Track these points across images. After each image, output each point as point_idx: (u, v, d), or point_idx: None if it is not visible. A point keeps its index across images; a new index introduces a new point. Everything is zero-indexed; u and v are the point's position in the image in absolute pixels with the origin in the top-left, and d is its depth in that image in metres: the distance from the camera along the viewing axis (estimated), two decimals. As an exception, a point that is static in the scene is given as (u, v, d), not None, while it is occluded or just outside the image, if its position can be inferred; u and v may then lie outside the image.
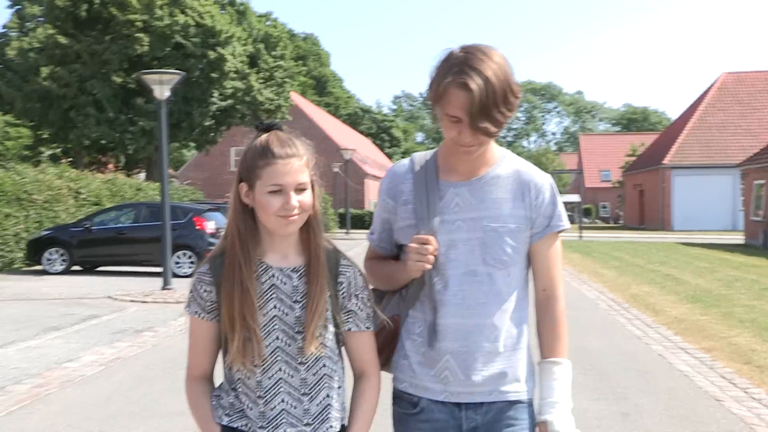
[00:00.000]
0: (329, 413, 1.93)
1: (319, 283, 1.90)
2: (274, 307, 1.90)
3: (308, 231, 1.93)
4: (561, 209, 2.07)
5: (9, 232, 16.49)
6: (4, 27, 53.21)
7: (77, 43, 28.35)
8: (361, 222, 44.67)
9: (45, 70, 28.43)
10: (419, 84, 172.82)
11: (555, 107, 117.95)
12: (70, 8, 28.22)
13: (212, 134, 32.11)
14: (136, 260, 16.33)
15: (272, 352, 1.89)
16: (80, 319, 10.02)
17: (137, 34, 28.10)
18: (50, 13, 28.61)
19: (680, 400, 5.93)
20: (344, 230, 38.78)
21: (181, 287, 11.68)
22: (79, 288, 13.64)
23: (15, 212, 16.74)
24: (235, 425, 1.93)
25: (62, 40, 28.09)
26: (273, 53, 33.09)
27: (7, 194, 16.53)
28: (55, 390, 6.32)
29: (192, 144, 35.00)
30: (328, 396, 1.93)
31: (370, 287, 2.02)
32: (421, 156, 2.13)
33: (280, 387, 1.90)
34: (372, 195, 50.87)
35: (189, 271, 15.24)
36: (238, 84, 30.47)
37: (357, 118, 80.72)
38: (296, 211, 1.85)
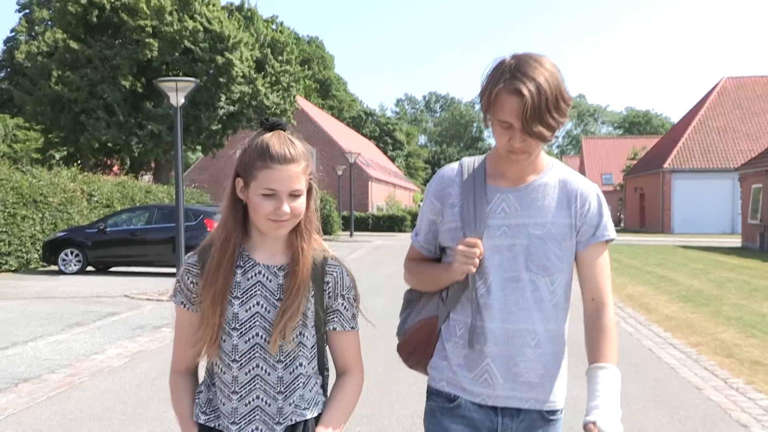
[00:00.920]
0: (302, 412, 1.94)
1: (297, 283, 1.90)
2: (257, 303, 1.90)
3: (296, 232, 1.93)
4: (607, 219, 2.06)
5: (26, 233, 17.04)
6: (13, 31, 54.08)
7: (88, 48, 28.94)
8: (364, 224, 45.16)
9: (56, 75, 29.00)
10: (422, 87, 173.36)
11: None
12: (81, 14, 28.79)
13: (219, 138, 32.65)
14: (148, 261, 16.83)
15: (251, 348, 1.90)
16: (101, 316, 10.54)
17: (147, 40, 28.68)
18: (62, 19, 29.17)
19: (664, 389, 6.44)
20: (348, 232, 39.26)
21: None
22: (95, 287, 14.17)
23: (31, 214, 17.29)
24: (212, 425, 1.93)
25: (73, 45, 28.66)
26: (279, 58, 33.68)
27: (24, 197, 17.07)
28: (87, 379, 6.83)
29: (198, 147, 35.56)
30: (301, 396, 1.94)
31: (356, 289, 2.02)
32: (470, 161, 2.14)
33: (256, 383, 1.90)
34: (375, 198, 51.35)
35: (200, 271, 15.75)
36: (245, 88, 31.03)
37: (360, 121, 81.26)
38: (286, 217, 1.86)
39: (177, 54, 29.69)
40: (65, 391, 6.36)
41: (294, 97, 34.63)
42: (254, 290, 1.90)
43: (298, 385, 1.93)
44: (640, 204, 51.21)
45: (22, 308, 11.13)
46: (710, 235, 40.93)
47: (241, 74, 30.69)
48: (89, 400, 6.04)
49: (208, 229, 16.41)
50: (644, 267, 18.61)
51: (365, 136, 74.89)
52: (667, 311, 10.89)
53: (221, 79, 30.15)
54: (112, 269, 17.58)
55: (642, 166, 51.84)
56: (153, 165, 34.88)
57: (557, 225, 2.00)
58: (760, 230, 27.02)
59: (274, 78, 33.05)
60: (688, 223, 44.08)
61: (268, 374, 1.90)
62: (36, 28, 53.83)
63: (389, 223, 45.56)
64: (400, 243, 31.99)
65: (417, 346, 2.16)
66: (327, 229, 35.34)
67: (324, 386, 2.02)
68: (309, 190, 1.93)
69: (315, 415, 1.95)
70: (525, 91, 1.84)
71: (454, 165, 2.15)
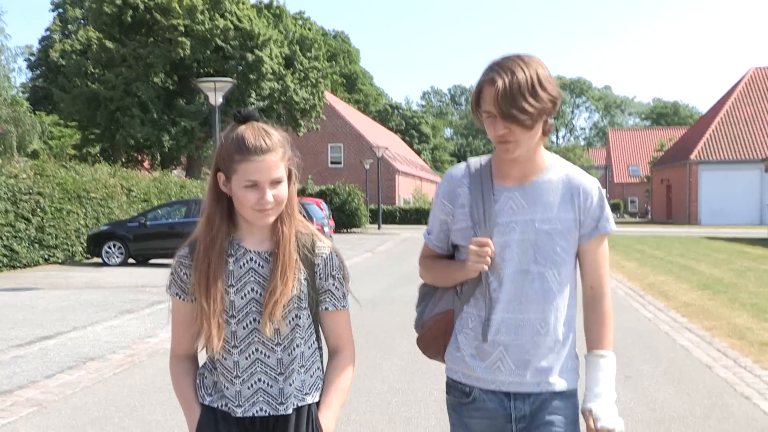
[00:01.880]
0: (303, 397, 2.02)
1: (280, 265, 1.95)
2: (252, 289, 1.97)
3: (278, 216, 1.98)
4: (608, 212, 2.17)
5: (71, 227, 17.88)
6: (48, 30, 55.27)
7: (123, 47, 29.83)
8: (392, 217, 45.74)
9: (92, 73, 29.95)
10: (448, 80, 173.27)
11: (584, 102, 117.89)
12: (116, 14, 29.68)
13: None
14: (186, 253, 17.54)
15: (249, 333, 1.97)
16: (148, 304, 11.24)
17: (179, 38, 29.50)
18: (98, 19, 30.08)
19: (676, 367, 6.95)
20: (376, 225, 39.85)
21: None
22: (138, 278, 14.92)
23: (75, 209, 18.12)
24: (215, 405, 2.00)
25: (109, 44, 29.55)
26: (308, 55, 34.36)
27: (69, 192, 17.90)
28: (145, 358, 7.50)
29: (229, 142, 36.42)
30: (303, 381, 2.02)
31: (345, 269, 2.10)
32: (475, 161, 2.22)
33: (257, 367, 1.97)
34: (402, 191, 51.89)
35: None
36: (275, 85, 31.76)
37: (386, 115, 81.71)
38: (270, 206, 1.91)
39: (208, 52, 30.50)
40: (128, 369, 7.03)
41: (322, 92, 35.31)
42: (247, 277, 1.97)
43: (297, 365, 2.00)
44: (667, 196, 51.19)
45: (75, 297, 11.88)
46: (738, 226, 40.91)
47: (271, 71, 31.41)
48: (150, 376, 6.70)
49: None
50: (667, 257, 19.00)
51: (391, 129, 75.37)
52: (686, 298, 11.35)
53: (251, 76, 30.90)
54: (152, 261, 18.35)
55: (669, 157, 51.81)
56: (185, 160, 35.74)
57: (562, 219, 2.10)
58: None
59: (302, 74, 33.75)
60: (715, 215, 44.07)
61: (268, 357, 1.97)
62: (69, 26, 55.04)
63: (416, 216, 46.10)
64: (427, 235, 32.47)
65: (434, 339, 2.26)
66: (355, 222, 35.95)
67: (320, 365, 2.12)
68: (289, 176, 1.98)
69: (317, 399, 2.05)
70: (498, 79, 1.96)
71: (462, 166, 2.24)
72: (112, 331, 8.96)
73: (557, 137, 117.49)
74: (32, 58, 56.85)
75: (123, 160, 33.42)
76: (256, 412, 1.97)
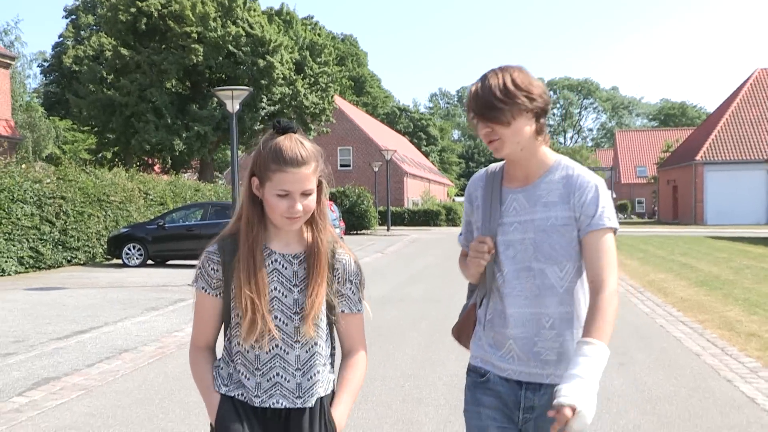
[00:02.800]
0: (318, 387, 2.12)
1: (320, 272, 2.07)
2: (275, 289, 2.06)
3: (311, 224, 2.11)
4: (604, 209, 2.18)
5: (92, 229, 18.55)
6: (61, 36, 56.17)
7: (137, 54, 30.55)
8: (400, 219, 46.29)
9: (108, 80, 30.69)
10: (455, 82, 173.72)
11: (591, 103, 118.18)
12: (131, 22, 30.40)
13: (261, 137, 34.11)
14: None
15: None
16: (171, 302, 11.85)
17: (192, 45, 30.19)
18: (113, 27, 30.80)
19: (668, 356, 7.51)
20: (385, 227, 40.42)
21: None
22: (159, 278, 15.55)
23: (96, 212, 18.79)
24: (232, 394, 2.09)
25: (124, 51, 30.27)
26: (318, 60, 35.02)
27: (90, 196, 18.57)
28: (175, 350, 8.09)
29: (242, 147, 37.09)
30: (318, 372, 2.12)
31: (362, 275, 2.21)
32: (494, 166, 2.38)
33: (276, 362, 2.07)
34: (411, 193, 52.46)
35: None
36: (286, 90, 32.42)
37: (394, 117, 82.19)
38: (299, 215, 2.02)
39: (221, 58, 31.20)
40: (160, 359, 7.63)
41: (332, 96, 35.96)
42: (272, 277, 2.06)
43: (315, 362, 2.10)
44: (673, 196, 51.58)
45: (101, 295, 12.52)
46: (743, 226, 41.31)
47: (282, 76, 32.07)
48: (182, 365, 7.29)
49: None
50: (669, 256, 19.54)
51: (399, 131, 75.90)
52: (683, 294, 11.90)
53: (263, 81, 31.55)
54: (170, 262, 18.98)
55: (675, 158, 52.19)
56: (197, 164, 36.43)
57: (560, 218, 2.18)
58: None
59: (312, 79, 34.41)
60: (721, 215, 44.46)
61: (287, 353, 2.07)
62: (82, 32, 55.97)
63: (425, 218, 46.63)
64: (435, 237, 33.09)
65: (463, 329, 2.46)
66: (365, 224, 36.54)
67: (332, 364, 2.23)
68: (319, 186, 2.09)
69: (329, 392, 2.16)
70: (474, 86, 2.18)
71: (483, 170, 2.41)
72: (140, 326, 9.56)
73: (565, 138, 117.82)
74: (45, 64, 57.88)
75: (138, 163, 34.09)
76: (273, 403, 2.07)
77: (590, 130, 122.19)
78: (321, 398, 2.12)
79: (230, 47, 30.94)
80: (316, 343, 2.10)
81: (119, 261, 18.41)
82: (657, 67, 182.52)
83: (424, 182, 58.18)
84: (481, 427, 2.30)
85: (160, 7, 30.46)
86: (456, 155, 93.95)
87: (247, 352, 2.06)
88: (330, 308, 2.13)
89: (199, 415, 5.46)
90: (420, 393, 6.07)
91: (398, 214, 46.13)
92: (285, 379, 2.07)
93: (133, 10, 30.19)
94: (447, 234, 35.50)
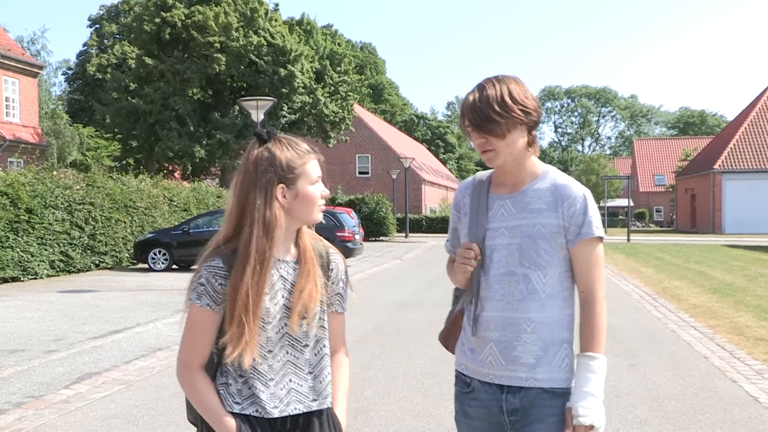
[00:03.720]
0: (329, 387, 2.14)
1: (307, 270, 2.08)
2: (282, 296, 2.06)
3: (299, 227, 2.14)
4: (592, 219, 2.22)
5: (119, 234, 19.09)
6: (85, 45, 57.19)
7: (161, 63, 31.21)
8: (418, 226, 46.65)
9: (132, 88, 31.38)
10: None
11: (610, 111, 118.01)
12: (155, 32, 31.09)
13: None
14: (226, 259, 18.63)
15: (281, 337, 2.05)
16: (198, 305, 12.30)
17: (215, 54, 30.80)
18: (138, 37, 31.49)
19: (677, 358, 7.83)
20: (403, 234, 40.79)
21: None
22: (185, 282, 15.67)
23: (123, 218, 19.34)
24: (247, 412, 2.03)
25: (148, 60, 30.95)
26: (338, 69, 35.55)
27: (117, 202, 19.13)
28: (205, 349, 8.52)
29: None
30: (328, 373, 2.14)
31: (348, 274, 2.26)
32: (482, 174, 2.42)
33: (288, 368, 2.06)
34: (428, 200, 52.84)
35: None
36: (306, 98, 32.94)
37: (412, 125, 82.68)
38: (325, 200, 2.12)
39: (242, 67, 31.79)
40: (193, 357, 8.06)
41: (351, 105, 36.45)
42: (278, 285, 2.06)
43: (325, 363, 2.12)
44: (692, 205, 51.57)
45: (131, 298, 13.00)
46: (762, 235, 41.28)
47: (302, 85, 32.60)
48: (214, 363, 7.72)
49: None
50: (684, 264, 19.78)
51: (417, 139, 76.36)
52: (695, 301, 12.19)
53: (283, 90, 32.08)
54: (194, 267, 19.39)
55: (693, 167, 52.21)
56: (217, 171, 37.01)
57: (546, 225, 2.21)
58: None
59: (332, 88, 34.93)
60: (739, 224, 44.43)
61: (297, 358, 2.08)
62: (105, 41, 57.00)
63: (442, 225, 46.94)
64: (453, 243, 33.34)
65: (449, 334, 2.47)
66: (383, 231, 36.93)
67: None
68: None
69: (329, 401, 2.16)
70: (470, 96, 2.22)
71: (470, 178, 2.45)
72: (171, 327, 10.00)
73: (583, 146, 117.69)
74: (69, 72, 58.95)
75: (158, 170, 34.70)
76: (292, 411, 2.06)
77: (608, 138, 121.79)
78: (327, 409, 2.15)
79: (252, 56, 31.52)
80: (324, 345, 2.13)
81: (145, 265, 18.92)
82: (676, 75, 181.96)
83: (442, 190, 58.55)
84: None
85: (183, 18, 31.11)
86: (473, 163, 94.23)
87: (260, 364, 2.03)
88: (326, 308, 2.16)
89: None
90: (440, 389, 6.45)
91: (416, 221, 46.49)
92: (298, 384, 2.08)
93: (157, 20, 30.87)
94: (464, 241, 35.57)
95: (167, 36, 31.09)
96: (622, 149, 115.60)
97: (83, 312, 11.17)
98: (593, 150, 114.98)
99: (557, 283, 2.23)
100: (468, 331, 2.32)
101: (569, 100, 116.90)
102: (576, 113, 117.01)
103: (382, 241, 36.51)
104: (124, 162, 34.39)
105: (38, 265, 15.89)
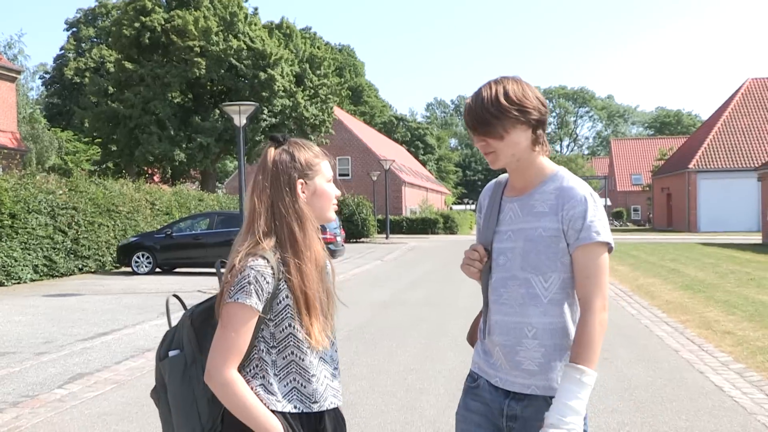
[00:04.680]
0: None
1: (326, 272, 2.17)
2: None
3: None
4: (593, 223, 2.12)
5: (102, 238, 19.19)
6: (62, 49, 56.94)
7: (141, 67, 31.27)
8: (399, 227, 46.95)
9: (112, 92, 31.40)
10: (451, 91, 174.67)
11: (587, 112, 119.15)
12: (134, 36, 31.15)
13: (262, 148, 34.79)
14: (209, 262, 18.75)
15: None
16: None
17: (195, 59, 30.92)
18: (117, 41, 31.54)
19: (648, 352, 8.18)
20: (384, 235, 41.06)
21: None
22: (169, 285, 16.17)
23: (106, 221, 19.44)
24: (287, 410, 2.05)
25: (128, 65, 31.00)
26: (317, 72, 35.77)
27: (99, 206, 19.22)
28: (193, 350, 8.74)
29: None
30: (339, 372, 2.20)
31: None
32: (504, 176, 2.38)
33: (321, 365, 2.11)
34: (409, 201, 53.16)
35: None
36: (286, 102, 33.15)
37: (392, 126, 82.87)
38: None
39: (222, 71, 31.93)
40: (181, 357, 8.27)
41: (332, 108, 36.69)
42: None
43: (339, 360, 2.20)
44: (668, 204, 52.36)
45: (117, 301, 13.16)
46: (736, 233, 42.08)
47: (282, 88, 32.80)
48: (203, 362, 7.94)
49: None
50: (659, 262, 20.25)
51: (396, 141, 76.62)
52: (668, 297, 12.59)
53: (264, 93, 32.27)
54: (177, 270, 19.59)
55: (669, 166, 53.02)
56: (198, 174, 37.09)
57: (548, 229, 2.15)
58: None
59: (312, 91, 35.15)
60: (714, 222, 45.23)
61: (328, 354, 2.14)
62: (83, 45, 56.81)
63: (422, 226, 47.29)
64: (433, 244, 33.72)
65: (473, 335, 2.49)
66: (364, 233, 37.19)
67: None
68: None
69: None
70: (469, 101, 2.21)
71: (494, 180, 2.44)
72: (158, 329, 10.18)
73: (561, 147, 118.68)
74: (47, 76, 58.66)
75: (138, 174, 34.70)
76: (329, 405, 2.11)
77: (586, 138, 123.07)
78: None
79: (232, 60, 31.68)
80: (334, 344, 2.17)
81: (128, 269, 19.03)
82: (652, 75, 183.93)
83: (422, 191, 58.89)
84: (466, 431, 2.34)
85: (163, 22, 31.20)
86: (453, 164, 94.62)
87: (302, 360, 2.05)
88: None
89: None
90: (422, 384, 6.73)
91: (397, 223, 46.78)
92: (330, 380, 2.12)
93: (137, 25, 30.95)
94: (445, 242, 36.11)
95: (147, 40, 31.17)
96: (599, 149, 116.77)
97: (70, 315, 11.32)
98: (571, 150, 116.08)
99: (561, 289, 2.17)
100: (481, 335, 2.34)
101: (547, 101, 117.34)
102: (554, 114, 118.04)
103: (363, 242, 36.74)
104: (104, 166, 34.34)
105: (22, 269, 15.97)
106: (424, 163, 78.57)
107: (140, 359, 8.08)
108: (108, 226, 19.53)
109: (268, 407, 2.01)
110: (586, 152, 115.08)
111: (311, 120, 34.66)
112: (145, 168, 35.83)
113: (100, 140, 33.96)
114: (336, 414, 2.17)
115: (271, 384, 2.04)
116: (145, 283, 16.58)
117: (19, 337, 9.39)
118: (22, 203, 16.17)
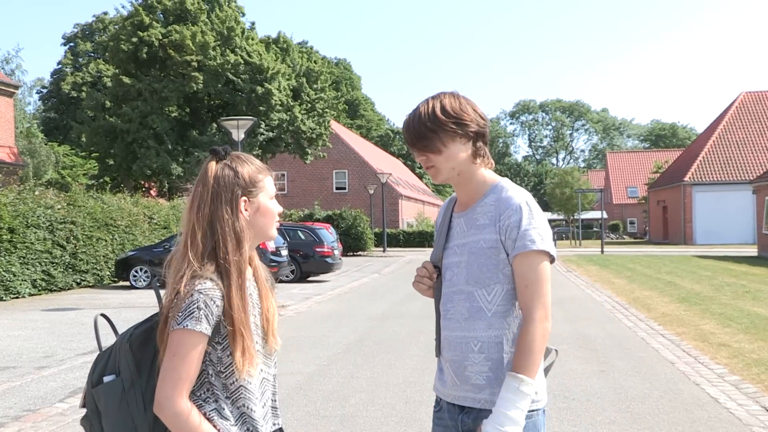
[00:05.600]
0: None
1: (266, 289, 2.11)
2: (253, 315, 2.02)
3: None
4: (528, 231, 2.09)
5: (100, 253, 19.24)
6: (60, 63, 57.14)
7: (138, 82, 31.41)
8: (396, 240, 47.02)
9: (109, 107, 31.51)
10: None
11: (583, 125, 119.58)
12: (132, 51, 31.30)
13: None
14: (207, 276, 18.84)
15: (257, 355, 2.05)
16: (182, 321, 12.54)
17: (193, 73, 31.06)
18: (115, 56, 31.68)
19: (645, 364, 8.25)
20: (381, 248, 41.12)
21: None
22: (166, 299, 16.18)
23: (104, 236, 19.49)
24: None
25: (126, 80, 31.13)
26: (314, 86, 35.94)
27: (98, 221, 19.28)
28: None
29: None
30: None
31: None
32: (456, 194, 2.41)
33: (266, 385, 2.06)
34: (405, 215, 53.27)
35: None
36: (283, 116, 33.27)
37: (388, 140, 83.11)
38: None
39: (220, 85, 32.05)
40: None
41: (328, 122, 36.84)
42: (251, 302, 2.03)
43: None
44: (663, 216, 52.52)
45: (115, 315, 13.18)
46: (731, 245, 42.23)
47: (279, 102, 32.93)
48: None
49: (260, 247, 18.41)
50: (655, 275, 20.34)
51: (393, 154, 76.85)
52: (665, 310, 12.67)
53: (261, 108, 32.38)
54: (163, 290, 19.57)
55: (664, 179, 53.23)
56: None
57: (487, 241, 2.14)
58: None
59: (309, 105, 35.30)
60: (709, 235, 45.38)
61: (269, 374, 2.09)
62: (80, 59, 57.02)
63: (419, 239, 47.37)
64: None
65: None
66: (361, 246, 37.24)
67: None
68: None
69: None
70: (406, 117, 2.23)
71: (450, 197, 2.45)
72: (157, 343, 10.24)
73: (557, 160, 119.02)
74: (44, 91, 58.84)
75: (135, 188, 34.74)
76: (272, 426, 2.07)
77: (582, 151, 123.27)
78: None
79: (229, 75, 31.81)
80: (275, 361, 2.13)
81: (126, 283, 19.06)
82: (648, 88, 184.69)
83: (419, 204, 59.03)
84: None
85: (161, 37, 31.35)
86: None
87: (249, 383, 1.98)
88: None
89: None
90: (421, 396, 6.79)
91: (394, 236, 46.86)
92: (272, 399, 2.08)
93: (134, 39, 31.09)
94: (441, 255, 35.96)
95: (144, 55, 31.29)
96: (595, 162, 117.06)
97: (69, 329, 11.37)
98: (567, 163, 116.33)
99: (504, 301, 2.14)
100: (436, 351, 2.32)
101: (544, 114, 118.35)
102: (550, 127, 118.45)
103: (360, 255, 36.81)
104: (101, 180, 34.41)
105: (20, 284, 16.00)
106: (420, 177, 78.75)
107: (140, 373, 8.13)
108: (106, 241, 19.58)
109: None
110: (582, 165, 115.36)
111: (308, 134, 34.80)
112: (142, 182, 35.89)
113: (97, 154, 34.02)
114: None
115: (224, 408, 1.97)
116: (143, 297, 16.60)
117: (19, 352, 9.43)
118: (21, 218, 16.23)
